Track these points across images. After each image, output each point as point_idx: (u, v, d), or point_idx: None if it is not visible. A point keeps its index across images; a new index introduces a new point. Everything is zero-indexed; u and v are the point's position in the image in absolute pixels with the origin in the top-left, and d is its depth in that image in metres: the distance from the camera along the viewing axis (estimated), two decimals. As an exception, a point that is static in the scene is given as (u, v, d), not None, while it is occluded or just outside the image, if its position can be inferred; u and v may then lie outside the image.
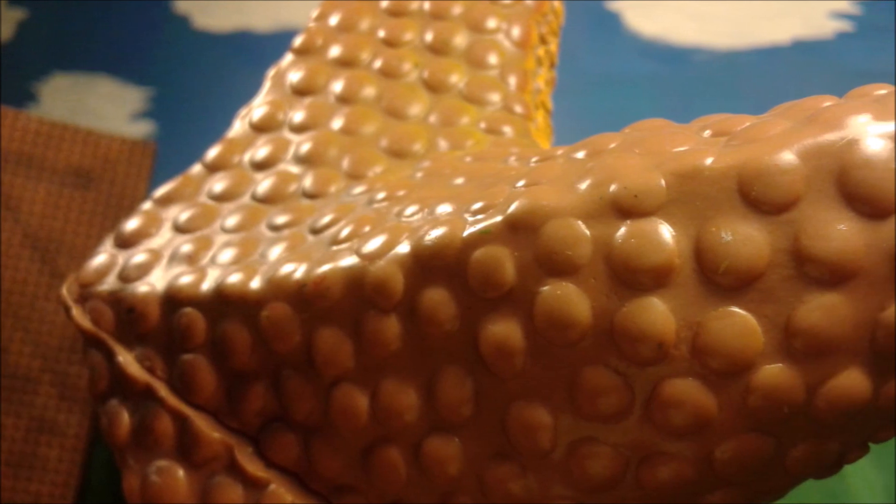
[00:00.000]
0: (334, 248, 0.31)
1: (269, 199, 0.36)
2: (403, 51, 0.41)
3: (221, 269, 0.33)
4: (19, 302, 0.55)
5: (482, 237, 0.26)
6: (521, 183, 0.28)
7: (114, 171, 0.59)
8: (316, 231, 0.33)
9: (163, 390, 0.33)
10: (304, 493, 0.31)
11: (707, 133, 0.26)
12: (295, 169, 0.37)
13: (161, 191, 0.38)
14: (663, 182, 0.24)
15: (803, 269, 0.23)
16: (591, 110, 0.66)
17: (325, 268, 0.30)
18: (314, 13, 0.42)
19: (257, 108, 0.40)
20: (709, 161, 0.24)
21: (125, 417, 0.34)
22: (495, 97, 0.40)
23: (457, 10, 0.42)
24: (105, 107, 0.71)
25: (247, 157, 0.38)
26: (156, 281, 0.34)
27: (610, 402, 0.25)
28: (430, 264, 0.27)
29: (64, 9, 0.73)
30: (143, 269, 0.35)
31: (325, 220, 0.33)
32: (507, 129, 0.38)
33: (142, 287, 0.34)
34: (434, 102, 0.39)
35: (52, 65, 0.72)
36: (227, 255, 0.34)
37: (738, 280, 0.24)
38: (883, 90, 0.25)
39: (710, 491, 0.26)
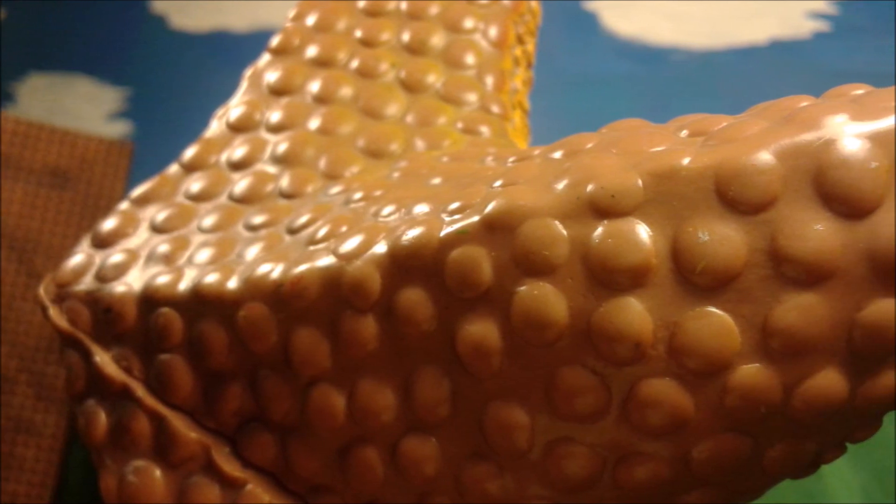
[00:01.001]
0: (311, 248, 0.31)
1: (246, 199, 0.36)
2: (380, 51, 0.41)
3: (198, 269, 0.33)
4: (-5, 302, 0.55)
5: (459, 237, 0.26)
6: (498, 183, 0.27)
7: (91, 171, 0.59)
8: (293, 231, 0.33)
9: (140, 390, 0.33)
10: (281, 493, 0.31)
11: (684, 133, 0.26)
12: (272, 169, 0.37)
13: (138, 191, 0.38)
14: (640, 182, 0.24)
15: (780, 269, 0.23)
16: (568, 110, 0.66)
17: (302, 268, 0.30)
18: (291, 13, 0.42)
19: (234, 108, 0.40)
20: (686, 161, 0.24)
21: (102, 417, 0.34)
22: (472, 97, 0.40)
23: (434, 10, 0.42)
24: (82, 107, 0.70)
25: (224, 157, 0.38)
26: (133, 281, 0.34)
27: (587, 402, 0.25)
28: (408, 264, 0.27)
29: (41, 9, 0.73)
30: (121, 269, 0.35)
31: (302, 220, 0.33)
32: (484, 129, 0.38)
33: (119, 287, 0.34)
34: (411, 102, 0.39)
35: (29, 65, 0.72)
36: (204, 255, 0.34)
37: (716, 280, 0.24)
38: (860, 90, 0.25)
39: (687, 491, 0.26)
